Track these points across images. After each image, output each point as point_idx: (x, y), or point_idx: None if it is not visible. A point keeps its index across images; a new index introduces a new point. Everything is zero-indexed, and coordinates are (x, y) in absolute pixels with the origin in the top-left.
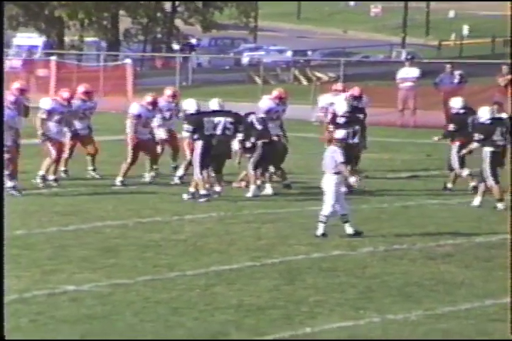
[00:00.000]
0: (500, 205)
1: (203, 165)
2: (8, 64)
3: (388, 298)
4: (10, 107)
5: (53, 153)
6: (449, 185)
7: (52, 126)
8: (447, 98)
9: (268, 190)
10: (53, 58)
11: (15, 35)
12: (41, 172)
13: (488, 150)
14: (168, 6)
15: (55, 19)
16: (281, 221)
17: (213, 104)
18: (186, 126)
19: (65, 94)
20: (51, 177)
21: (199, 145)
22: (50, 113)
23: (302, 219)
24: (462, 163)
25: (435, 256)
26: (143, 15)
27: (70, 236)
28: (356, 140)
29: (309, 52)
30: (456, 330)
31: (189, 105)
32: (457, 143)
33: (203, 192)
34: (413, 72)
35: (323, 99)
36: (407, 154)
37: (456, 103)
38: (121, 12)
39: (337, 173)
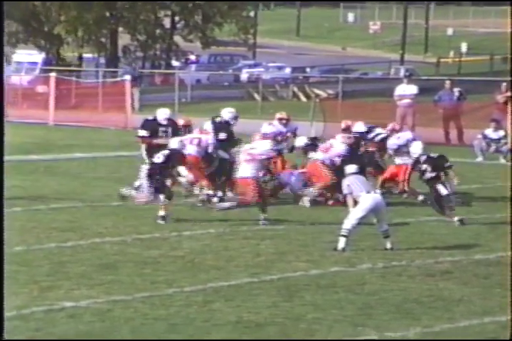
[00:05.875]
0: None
1: None
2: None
3: (387, 315)
4: None
5: None
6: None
7: None
8: (447, 115)
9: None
10: (53, 74)
11: (14, 51)
12: None
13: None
14: (167, 22)
15: (55, 36)
16: (279, 237)
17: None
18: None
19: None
20: None
21: None
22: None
23: (301, 236)
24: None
25: (434, 273)
26: (142, 31)
27: (68, 252)
28: (226, 155)
29: (308, 69)
30: None
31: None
32: None
33: (161, 213)
34: (411, 89)
35: None
36: None
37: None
38: (121, 29)
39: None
